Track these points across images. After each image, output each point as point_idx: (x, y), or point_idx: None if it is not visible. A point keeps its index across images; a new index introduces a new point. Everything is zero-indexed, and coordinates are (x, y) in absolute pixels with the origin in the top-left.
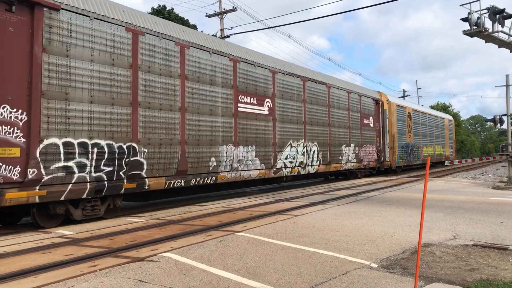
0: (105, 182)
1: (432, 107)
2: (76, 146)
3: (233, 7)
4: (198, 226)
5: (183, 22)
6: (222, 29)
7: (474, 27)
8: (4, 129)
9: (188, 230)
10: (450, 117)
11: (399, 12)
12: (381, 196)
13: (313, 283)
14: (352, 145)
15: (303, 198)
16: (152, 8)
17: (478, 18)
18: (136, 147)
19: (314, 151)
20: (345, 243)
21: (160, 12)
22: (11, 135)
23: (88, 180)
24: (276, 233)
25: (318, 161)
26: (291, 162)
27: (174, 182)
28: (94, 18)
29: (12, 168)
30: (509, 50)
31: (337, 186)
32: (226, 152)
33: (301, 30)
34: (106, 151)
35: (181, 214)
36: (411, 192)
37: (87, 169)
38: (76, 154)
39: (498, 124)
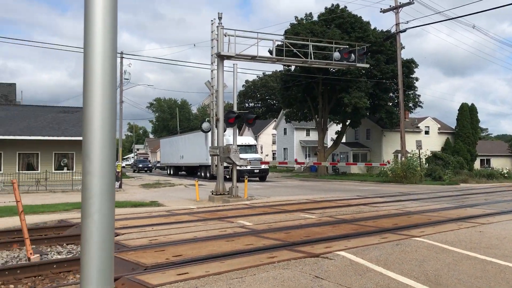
0: None
1: None
2: None
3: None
4: (372, 227)
5: (356, 19)
6: (397, 24)
7: None
8: None
9: (361, 230)
10: None
11: None
12: None
13: None
14: None
15: (489, 205)
16: (325, 8)
17: None
18: None
19: None
20: None
21: (333, 11)
22: None
23: None
24: (459, 241)
25: None
26: None
27: None
28: None
29: None
30: None
31: None
32: None
33: (488, 18)
34: None
35: (353, 214)
36: None
37: None
38: None
39: None
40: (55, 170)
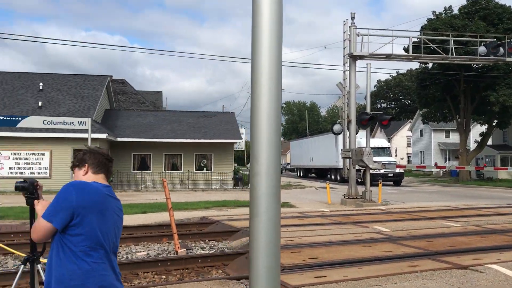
0: None
1: None
2: None
3: None
4: None
5: (504, 10)
6: None
7: None
8: None
9: None
10: None
11: None
12: None
13: None
14: None
15: None
16: (467, 0)
17: None
18: None
19: None
20: None
21: (477, 2)
22: None
23: None
24: None
25: None
26: None
27: None
28: None
29: None
30: None
31: None
32: None
33: None
34: None
35: (505, 224)
36: None
37: None
38: None
39: None
40: (195, 170)
